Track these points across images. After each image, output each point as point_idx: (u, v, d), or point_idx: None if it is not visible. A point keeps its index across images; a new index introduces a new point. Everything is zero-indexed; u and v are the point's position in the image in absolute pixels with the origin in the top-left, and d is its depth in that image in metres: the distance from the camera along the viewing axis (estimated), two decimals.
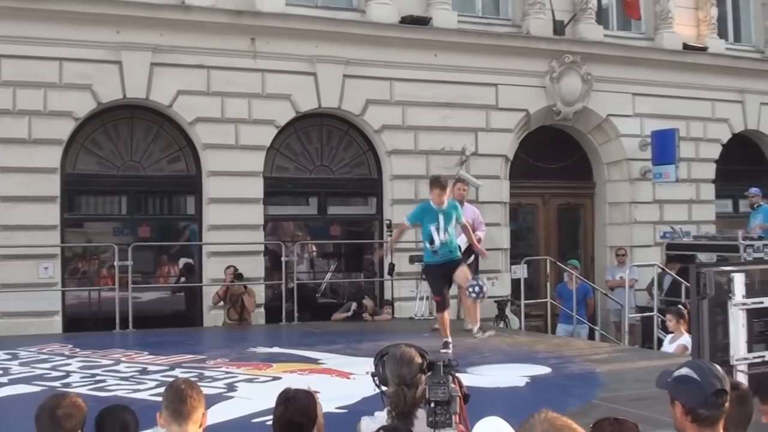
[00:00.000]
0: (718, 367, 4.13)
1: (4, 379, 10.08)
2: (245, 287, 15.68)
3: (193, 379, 9.49)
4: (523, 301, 16.45)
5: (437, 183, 12.13)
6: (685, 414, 3.91)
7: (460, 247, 12.74)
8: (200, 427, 4.67)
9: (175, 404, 4.61)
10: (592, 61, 19.40)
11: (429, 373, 5.15)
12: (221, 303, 15.76)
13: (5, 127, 15.33)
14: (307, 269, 19.13)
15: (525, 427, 2.93)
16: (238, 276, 15.67)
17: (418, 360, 5.31)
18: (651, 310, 16.15)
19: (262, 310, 16.49)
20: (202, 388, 4.82)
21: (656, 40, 20.65)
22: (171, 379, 9.54)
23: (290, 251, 16.49)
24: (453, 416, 4.90)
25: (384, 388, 5.39)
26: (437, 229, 11.90)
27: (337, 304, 17.31)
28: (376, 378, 5.45)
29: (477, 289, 11.73)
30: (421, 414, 5.08)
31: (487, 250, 16.01)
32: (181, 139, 16.81)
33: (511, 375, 10.12)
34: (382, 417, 5.26)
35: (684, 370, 3.99)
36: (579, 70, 19.22)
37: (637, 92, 19.89)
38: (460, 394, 5.06)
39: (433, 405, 4.92)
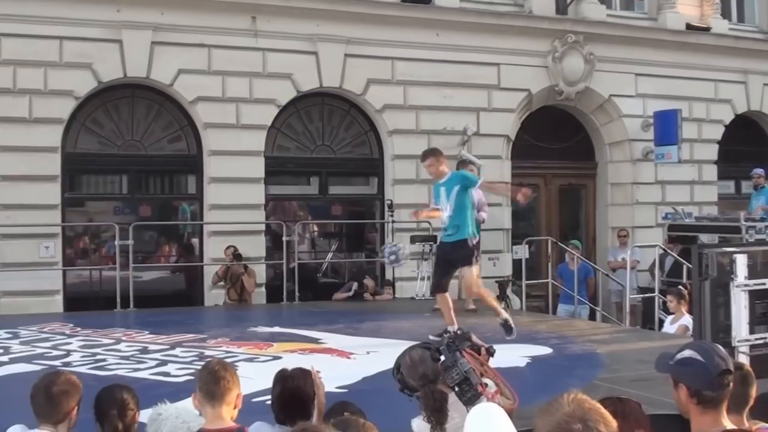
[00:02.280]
0: (721, 347, 4.11)
1: (5, 358, 10.08)
2: (245, 267, 15.67)
3: (193, 358, 9.53)
4: (524, 282, 16.45)
5: (421, 158, 11.45)
6: (690, 396, 3.88)
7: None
8: (235, 408, 4.68)
9: (209, 386, 4.64)
10: (595, 41, 19.31)
11: (440, 364, 5.20)
12: (221, 283, 15.77)
13: (6, 105, 15.31)
14: (308, 249, 19.12)
15: (553, 405, 2.90)
16: (237, 256, 15.69)
17: (428, 353, 5.34)
18: (652, 290, 16.12)
19: (263, 289, 16.50)
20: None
21: (659, 20, 20.55)
22: (172, 358, 9.57)
23: (291, 231, 16.47)
24: (478, 387, 4.94)
25: (417, 394, 5.41)
26: (442, 204, 10.92)
27: (338, 284, 17.32)
28: (406, 391, 5.45)
29: (392, 256, 11.01)
30: (452, 398, 5.11)
31: (488, 230, 16.07)
32: (182, 118, 16.78)
33: (512, 355, 10.04)
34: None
35: (687, 353, 3.96)
36: (581, 50, 19.13)
37: (639, 72, 19.79)
38: (473, 366, 5.09)
39: (457, 388, 4.96)
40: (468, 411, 4.87)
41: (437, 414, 5.12)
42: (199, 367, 4.97)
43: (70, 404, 4.62)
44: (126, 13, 15.83)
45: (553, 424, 2.85)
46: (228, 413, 4.67)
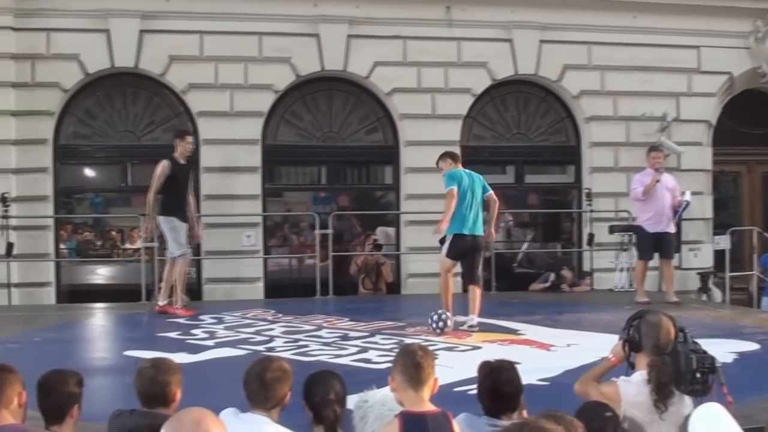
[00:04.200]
0: None
1: (211, 342, 10.39)
2: (383, 258, 16.10)
3: (393, 345, 9.60)
4: (727, 273, 15.92)
5: None
6: None
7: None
8: (431, 392, 4.71)
9: (411, 370, 4.67)
10: None
11: (680, 341, 5.14)
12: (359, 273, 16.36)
13: (209, 100, 15.86)
14: (504, 238, 19.01)
15: None
16: (377, 246, 16.34)
17: (673, 328, 5.27)
18: None
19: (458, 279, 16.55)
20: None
21: None
22: (373, 345, 9.67)
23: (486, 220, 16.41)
24: (712, 384, 4.93)
25: (633, 354, 5.37)
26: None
27: (533, 275, 17.17)
28: (627, 346, 5.38)
29: (440, 323, 10.77)
30: None
31: (688, 220, 15.66)
32: (378, 109, 16.96)
33: (717, 351, 9.68)
34: (638, 380, 5.19)
35: None
36: None
37: None
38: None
39: (699, 375, 4.90)
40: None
41: (663, 388, 5.04)
42: (398, 351, 4.98)
43: (283, 390, 4.72)
44: (323, 7, 16.12)
45: None
46: (428, 397, 4.70)
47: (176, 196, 12.69)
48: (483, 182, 11.74)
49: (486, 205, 11.76)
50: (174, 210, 12.67)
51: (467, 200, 11.49)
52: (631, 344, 5.36)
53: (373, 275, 16.11)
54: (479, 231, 11.59)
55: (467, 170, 11.85)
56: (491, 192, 11.78)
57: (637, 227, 14.29)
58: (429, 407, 4.67)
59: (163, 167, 12.59)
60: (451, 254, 11.52)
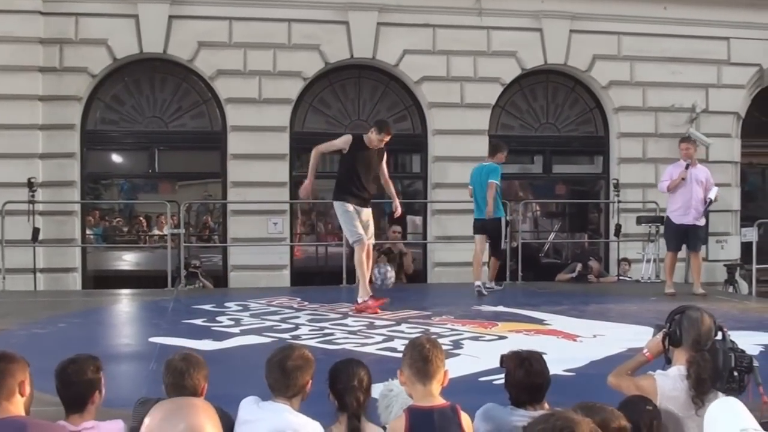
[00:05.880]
0: None
1: (236, 330, 10.32)
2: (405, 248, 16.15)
3: (419, 334, 9.53)
4: (754, 266, 15.80)
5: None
6: None
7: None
8: (441, 385, 4.67)
9: (419, 364, 4.66)
10: None
11: (719, 339, 5.15)
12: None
13: (236, 87, 15.87)
14: (531, 228, 18.95)
15: None
16: (399, 234, 16.30)
17: (713, 326, 5.24)
18: None
19: (486, 268, 16.48)
20: None
21: None
22: (398, 333, 9.62)
23: (514, 210, 16.37)
24: (748, 383, 4.90)
25: (670, 348, 5.33)
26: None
27: (560, 265, 17.12)
28: (667, 338, 5.34)
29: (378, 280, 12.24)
30: None
31: (715, 211, 15.56)
32: (407, 98, 16.94)
33: (743, 343, 9.58)
34: (675, 375, 5.15)
35: None
36: None
37: None
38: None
39: (736, 374, 4.87)
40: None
41: (702, 384, 5.00)
42: (407, 344, 4.93)
43: (304, 378, 4.70)
44: None
45: None
46: (437, 390, 4.68)
47: (351, 178, 11.65)
48: (489, 172, 13.58)
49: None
50: (346, 194, 11.68)
51: (475, 191, 13.85)
52: (671, 339, 5.31)
53: (395, 265, 16.04)
54: (484, 215, 13.71)
55: (485, 163, 13.85)
56: (489, 180, 13.50)
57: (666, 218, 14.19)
58: (437, 401, 4.65)
59: (343, 139, 11.73)
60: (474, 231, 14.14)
